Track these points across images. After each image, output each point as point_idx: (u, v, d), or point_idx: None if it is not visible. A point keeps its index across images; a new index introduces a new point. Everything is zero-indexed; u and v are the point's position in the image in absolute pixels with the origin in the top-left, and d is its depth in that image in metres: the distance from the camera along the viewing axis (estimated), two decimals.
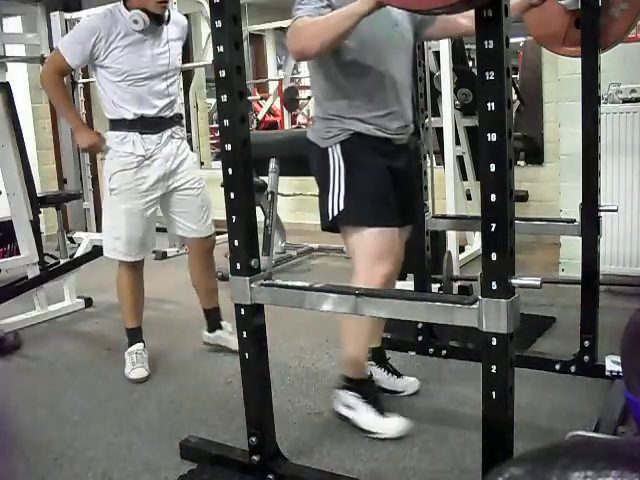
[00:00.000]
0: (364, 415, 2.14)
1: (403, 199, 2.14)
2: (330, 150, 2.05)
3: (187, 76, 5.69)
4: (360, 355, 2.18)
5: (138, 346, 2.81)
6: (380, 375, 2.40)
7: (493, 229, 1.37)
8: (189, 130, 6.54)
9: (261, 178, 3.84)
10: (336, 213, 2.03)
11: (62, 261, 3.93)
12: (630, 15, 2.32)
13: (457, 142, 3.90)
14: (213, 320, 2.99)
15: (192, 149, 5.84)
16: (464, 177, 4.34)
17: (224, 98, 1.68)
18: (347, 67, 2.00)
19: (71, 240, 4.52)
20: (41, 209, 4.07)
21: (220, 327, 2.98)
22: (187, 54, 5.49)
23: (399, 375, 2.43)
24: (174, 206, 2.81)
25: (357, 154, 2.04)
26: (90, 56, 2.60)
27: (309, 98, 8.42)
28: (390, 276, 2.07)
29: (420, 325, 2.78)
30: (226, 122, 1.69)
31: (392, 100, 2.08)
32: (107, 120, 2.73)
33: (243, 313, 1.79)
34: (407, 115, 2.14)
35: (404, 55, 2.12)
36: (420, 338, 2.80)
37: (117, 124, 2.68)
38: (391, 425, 2.12)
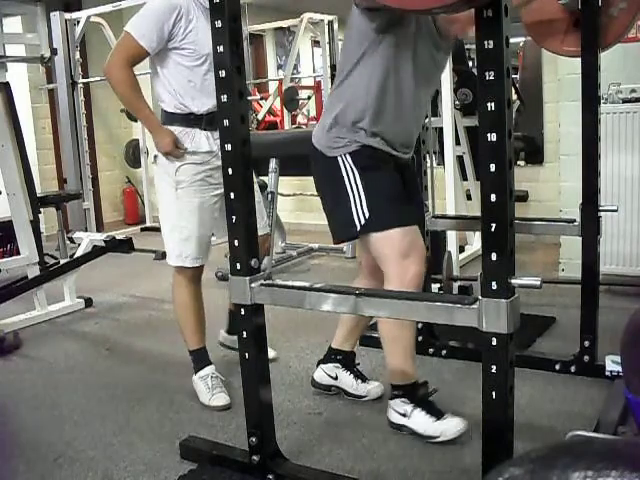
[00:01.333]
0: (418, 420, 2.08)
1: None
2: (340, 159, 2.01)
3: None
4: (406, 361, 2.10)
5: (210, 369, 2.51)
6: (346, 379, 2.41)
7: (493, 229, 1.37)
8: None
9: (261, 178, 3.84)
10: (363, 222, 1.97)
11: (62, 261, 3.93)
12: (629, 14, 2.32)
13: (457, 142, 3.90)
14: (236, 323, 2.86)
15: None
16: (464, 177, 4.35)
17: (224, 98, 1.68)
18: (394, 82, 1.97)
19: (71, 240, 4.52)
20: (41, 209, 4.07)
21: None
22: None
23: (364, 379, 2.42)
24: None
25: (368, 160, 2.01)
26: (168, 37, 2.29)
27: (309, 98, 8.41)
28: (422, 274, 2.01)
29: (420, 325, 2.78)
30: (226, 122, 1.69)
31: (412, 121, 2.08)
32: (162, 112, 2.45)
33: (243, 313, 1.79)
34: (415, 136, 2.17)
35: (436, 79, 2.15)
36: (420, 338, 2.80)
37: (176, 118, 2.39)
38: (448, 427, 2.04)
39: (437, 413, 2.08)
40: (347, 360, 2.43)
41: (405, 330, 2.06)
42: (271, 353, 2.74)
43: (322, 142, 2.06)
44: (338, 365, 2.42)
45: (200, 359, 2.53)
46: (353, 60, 1.97)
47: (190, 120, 2.38)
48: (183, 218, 2.40)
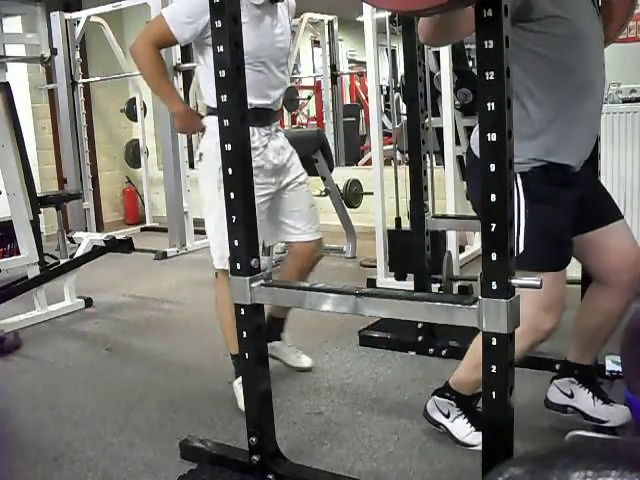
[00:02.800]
0: (458, 426, 2.03)
1: (596, 206, 1.93)
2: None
3: (187, 76, 5.69)
4: (477, 381, 1.89)
5: None
6: (583, 399, 2.09)
7: (493, 229, 1.37)
8: None
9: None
10: (516, 255, 1.73)
11: (62, 261, 3.93)
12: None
13: (457, 142, 3.90)
14: (276, 330, 2.68)
15: (192, 149, 5.85)
16: (464, 177, 4.34)
17: (224, 98, 1.68)
18: (547, 66, 1.71)
19: (71, 240, 4.52)
20: (41, 209, 4.07)
21: (279, 339, 2.70)
22: (187, 54, 5.49)
23: (607, 401, 2.07)
24: (285, 205, 2.45)
25: (541, 185, 1.75)
26: (202, 32, 2.20)
27: (309, 98, 8.42)
28: (554, 330, 1.80)
29: (420, 325, 2.78)
30: (226, 122, 1.70)
31: (589, 117, 1.81)
32: (206, 107, 2.39)
33: (243, 313, 1.79)
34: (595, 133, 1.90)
35: (601, 53, 1.82)
36: (420, 338, 2.80)
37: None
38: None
39: (478, 424, 2.00)
40: (586, 376, 2.09)
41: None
42: (306, 362, 2.71)
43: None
44: (574, 380, 2.09)
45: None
46: None
47: None
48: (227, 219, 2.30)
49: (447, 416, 2.06)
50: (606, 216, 1.94)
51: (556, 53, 1.69)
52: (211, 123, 2.30)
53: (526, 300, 1.67)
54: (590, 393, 2.07)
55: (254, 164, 2.20)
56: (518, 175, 1.74)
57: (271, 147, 2.39)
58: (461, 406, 2.05)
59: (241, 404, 2.29)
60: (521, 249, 1.73)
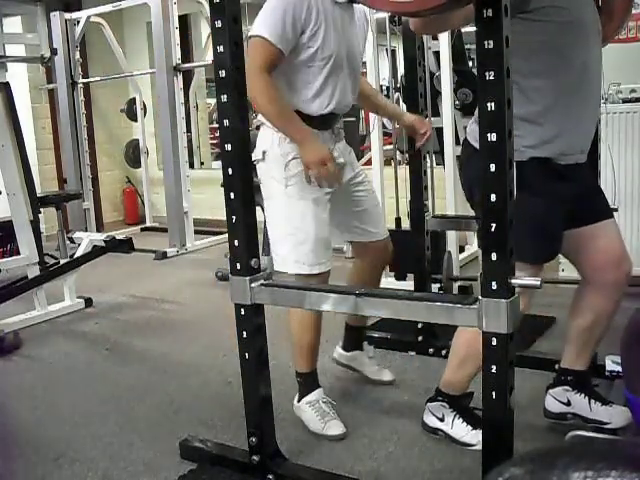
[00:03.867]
0: (455, 427, 2.04)
1: (590, 203, 1.92)
2: None
3: (187, 76, 5.69)
4: (468, 379, 1.99)
5: (320, 392, 2.26)
6: (580, 403, 2.08)
7: (493, 229, 1.37)
8: (189, 130, 6.55)
9: None
10: None
11: (62, 261, 3.93)
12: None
13: (457, 142, 3.90)
14: (355, 339, 2.56)
15: (192, 149, 5.87)
16: None
17: (224, 98, 1.68)
18: (547, 53, 1.71)
19: (71, 240, 4.52)
20: (41, 209, 4.07)
21: (360, 348, 2.57)
22: (187, 54, 5.49)
23: (605, 402, 2.07)
24: (351, 205, 2.30)
25: (534, 176, 1.74)
26: (301, 32, 2.01)
27: None
28: (525, 310, 1.75)
29: (420, 325, 2.78)
30: (226, 122, 1.69)
31: (588, 104, 1.80)
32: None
33: (243, 313, 1.79)
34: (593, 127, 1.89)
35: (599, 43, 1.81)
36: (420, 338, 2.80)
37: None
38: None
39: (476, 422, 1.99)
40: (580, 381, 2.09)
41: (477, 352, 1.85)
42: (388, 375, 2.57)
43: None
44: (568, 388, 2.09)
45: (311, 382, 2.28)
46: None
47: (301, 118, 2.10)
48: (295, 220, 2.11)
49: (442, 419, 2.07)
50: (597, 214, 1.95)
51: (555, 40, 1.70)
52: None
53: None
54: (586, 398, 2.06)
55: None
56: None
57: (336, 148, 2.22)
58: (454, 407, 2.05)
59: (316, 427, 2.20)
60: None
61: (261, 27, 1.99)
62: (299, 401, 2.28)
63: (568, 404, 2.08)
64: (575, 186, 1.83)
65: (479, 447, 1.75)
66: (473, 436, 1.99)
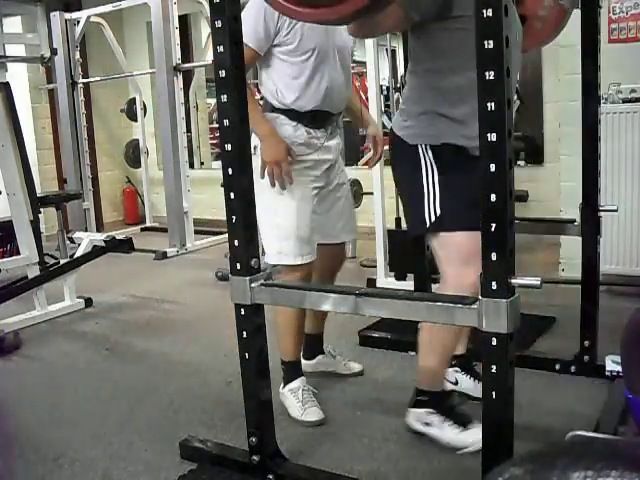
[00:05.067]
0: (445, 431, 2.03)
1: None
2: (420, 149, 1.92)
3: (187, 76, 5.69)
4: (439, 367, 2.05)
5: (302, 381, 2.36)
6: (467, 383, 2.33)
7: (493, 229, 1.37)
8: (189, 130, 6.55)
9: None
10: (433, 219, 1.91)
11: (62, 261, 3.93)
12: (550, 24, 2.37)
13: None
14: (315, 345, 2.63)
15: (192, 149, 5.86)
16: None
17: (224, 98, 1.68)
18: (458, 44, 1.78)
19: (71, 240, 4.52)
20: (41, 209, 4.07)
21: (322, 351, 2.65)
22: (187, 54, 5.49)
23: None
24: (330, 204, 2.38)
25: (452, 156, 1.90)
26: (275, 32, 2.11)
27: None
28: (477, 285, 1.88)
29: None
30: (226, 122, 1.69)
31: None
32: (267, 104, 2.29)
33: (243, 313, 1.79)
34: None
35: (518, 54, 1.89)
36: None
37: (277, 110, 2.24)
38: (476, 437, 1.76)
39: (463, 421, 2.02)
40: (464, 363, 2.36)
41: (447, 334, 1.98)
42: (356, 366, 2.67)
43: (408, 129, 1.97)
44: (457, 369, 2.35)
45: (294, 370, 2.37)
46: None
47: (292, 115, 2.21)
48: (280, 215, 2.21)
49: (430, 425, 2.06)
50: None
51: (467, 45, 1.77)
52: (271, 117, 2.24)
53: (445, 262, 1.95)
54: (472, 378, 2.34)
55: (310, 157, 2.26)
56: (428, 147, 1.91)
57: (328, 145, 2.30)
58: (438, 409, 2.05)
59: (296, 413, 2.29)
60: (438, 213, 1.90)
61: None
62: (283, 388, 2.37)
63: (455, 383, 2.34)
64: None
65: (475, 449, 1.82)
66: (464, 439, 1.98)
